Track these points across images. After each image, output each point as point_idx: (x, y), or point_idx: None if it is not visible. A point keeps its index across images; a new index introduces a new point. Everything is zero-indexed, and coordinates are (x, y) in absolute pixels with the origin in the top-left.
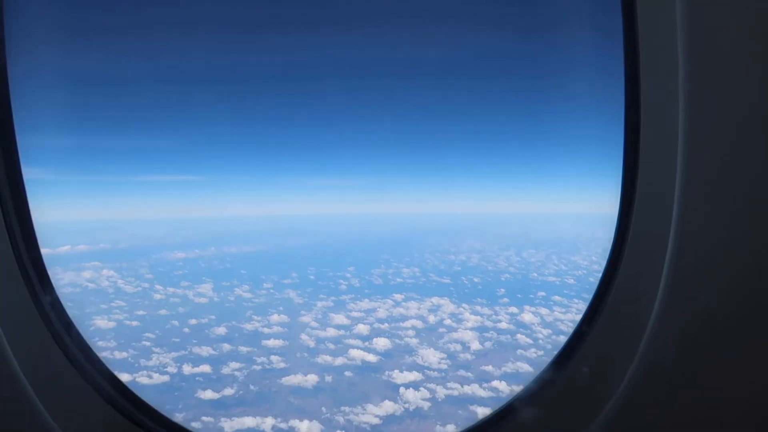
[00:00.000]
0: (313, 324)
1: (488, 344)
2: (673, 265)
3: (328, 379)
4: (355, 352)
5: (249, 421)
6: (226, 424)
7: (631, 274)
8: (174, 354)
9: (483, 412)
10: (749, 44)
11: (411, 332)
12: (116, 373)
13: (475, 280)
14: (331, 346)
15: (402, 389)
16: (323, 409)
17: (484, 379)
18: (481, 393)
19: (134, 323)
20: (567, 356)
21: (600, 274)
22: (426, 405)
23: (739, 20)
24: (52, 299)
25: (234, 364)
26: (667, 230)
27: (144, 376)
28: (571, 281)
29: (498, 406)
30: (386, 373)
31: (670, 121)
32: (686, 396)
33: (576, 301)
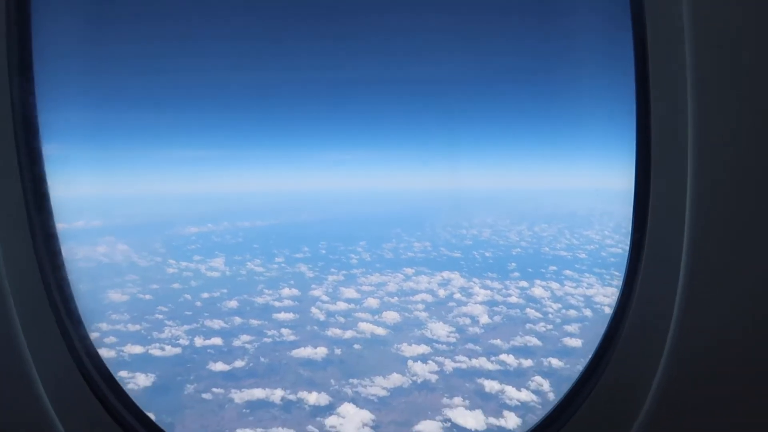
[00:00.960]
0: (324, 298)
1: (497, 318)
2: (687, 281)
3: (338, 351)
4: (364, 326)
5: (258, 393)
6: (236, 395)
7: (645, 299)
8: (186, 327)
9: (490, 385)
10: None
11: (421, 306)
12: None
13: (486, 254)
14: (341, 319)
15: (410, 362)
16: (332, 381)
17: (492, 352)
18: (489, 366)
19: (147, 297)
20: (589, 377)
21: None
22: (434, 378)
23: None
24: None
25: (245, 337)
26: (681, 243)
27: (156, 348)
28: (583, 255)
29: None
30: (395, 346)
31: (681, 123)
32: (711, 408)
33: (587, 275)
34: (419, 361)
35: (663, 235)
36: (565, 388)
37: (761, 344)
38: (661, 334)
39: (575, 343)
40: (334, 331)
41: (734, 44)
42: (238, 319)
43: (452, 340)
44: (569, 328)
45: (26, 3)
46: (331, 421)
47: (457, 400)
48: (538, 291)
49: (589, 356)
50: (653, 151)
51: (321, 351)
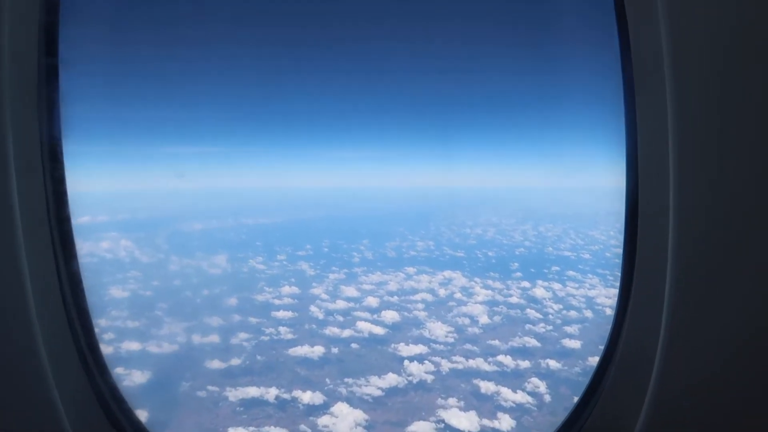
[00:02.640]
0: (324, 296)
1: (497, 318)
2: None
3: (335, 350)
4: (362, 325)
5: (253, 391)
6: (230, 393)
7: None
8: (184, 324)
9: (486, 386)
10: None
11: (420, 305)
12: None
13: (490, 254)
14: (340, 318)
15: (406, 362)
16: (327, 380)
17: (489, 353)
18: (486, 367)
19: (148, 293)
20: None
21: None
22: (429, 378)
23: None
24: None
25: (243, 335)
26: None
27: (153, 345)
28: (587, 256)
29: None
30: (392, 345)
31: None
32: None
33: (590, 276)
34: (416, 361)
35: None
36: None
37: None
38: (647, 368)
39: (574, 344)
40: (332, 330)
41: (713, 42)
42: (236, 317)
43: (450, 340)
44: (569, 329)
45: (56, 8)
46: (323, 420)
47: (452, 401)
48: (539, 291)
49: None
50: (640, 155)
51: (318, 350)
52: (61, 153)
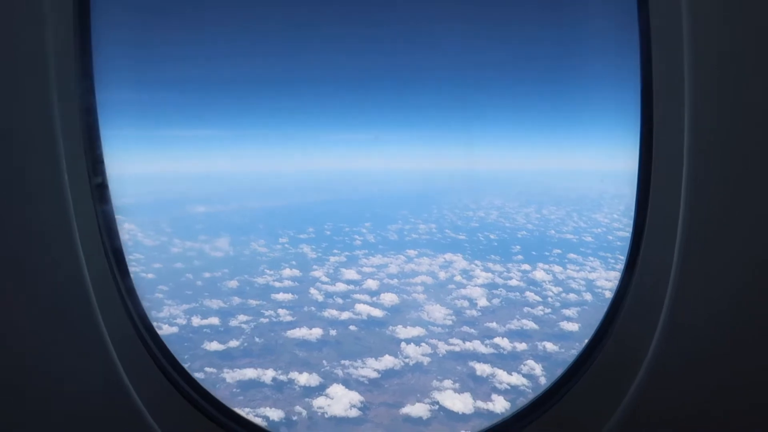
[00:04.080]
0: (324, 279)
1: (496, 301)
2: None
3: (333, 332)
4: (361, 307)
5: (250, 373)
6: (228, 374)
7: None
8: (185, 306)
9: (481, 368)
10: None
11: (420, 288)
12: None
13: (491, 236)
14: (339, 300)
15: (403, 344)
16: (324, 362)
17: (487, 335)
18: (483, 349)
19: (150, 275)
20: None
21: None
22: (426, 360)
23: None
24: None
25: (242, 317)
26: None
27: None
28: (589, 239)
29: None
30: (390, 328)
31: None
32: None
33: (591, 259)
34: (412, 344)
35: (662, 218)
36: (558, 372)
37: (751, 326)
38: (655, 315)
39: (572, 327)
40: (330, 312)
41: (734, 40)
42: (237, 299)
43: (448, 322)
44: (568, 312)
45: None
46: (319, 402)
47: (447, 383)
48: (539, 274)
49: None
50: (655, 135)
51: (316, 332)
52: (100, 141)
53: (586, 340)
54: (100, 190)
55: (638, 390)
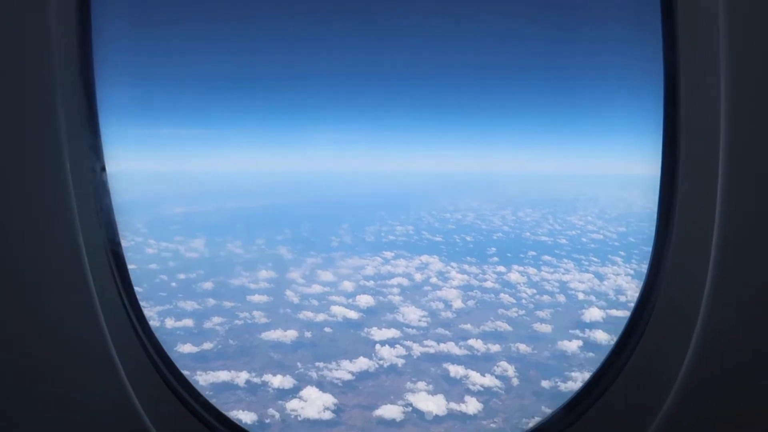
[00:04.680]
0: (300, 280)
1: (471, 303)
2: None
3: (308, 334)
4: (336, 309)
5: (224, 375)
6: (201, 377)
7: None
8: (158, 308)
9: (455, 370)
10: None
11: (396, 290)
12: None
13: (468, 238)
14: (315, 302)
15: (378, 346)
16: (298, 364)
17: (461, 337)
18: (457, 351)
19: None
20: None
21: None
22: (400, 362)
23: None
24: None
25: (216, 319)
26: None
27: None
28: (564, 241)
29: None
30: (365, 330)
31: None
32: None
33: (565, 261)
34: (387, 345)
35: (692, 218)
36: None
37: None
38: (689, 320)
39: (545, 328)
40: (306, 314)
41: None
42: (211, 301)
43: (423, 324)
44: (541, 313)
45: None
46: (292, 404)
47: (421, 384)
48: (514, 276)
49: (615, 339)
50: (681, 139)
51: (291, 334)
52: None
53: (600, 362)
54: (102, 186)
55: (675, 399)
